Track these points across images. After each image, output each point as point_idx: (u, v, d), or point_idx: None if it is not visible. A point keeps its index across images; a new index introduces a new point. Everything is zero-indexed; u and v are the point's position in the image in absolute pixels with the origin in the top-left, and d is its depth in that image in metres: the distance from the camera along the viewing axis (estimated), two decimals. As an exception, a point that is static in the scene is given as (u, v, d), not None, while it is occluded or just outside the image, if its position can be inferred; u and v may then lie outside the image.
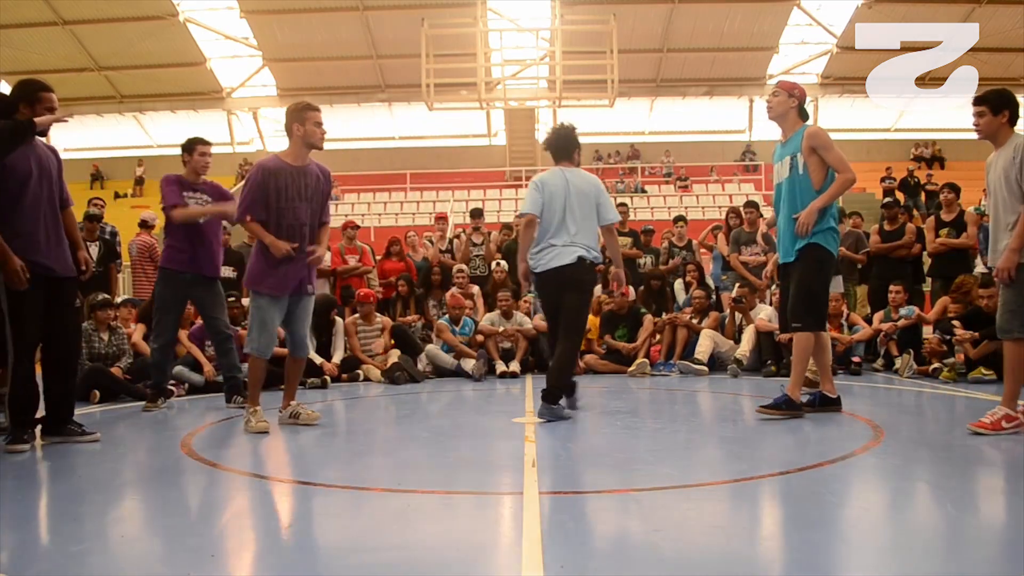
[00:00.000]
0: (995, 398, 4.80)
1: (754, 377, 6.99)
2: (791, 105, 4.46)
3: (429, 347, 7.55)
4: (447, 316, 7.85)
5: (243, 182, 4.20)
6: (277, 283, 4.31)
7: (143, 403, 5.31)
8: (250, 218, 4.33)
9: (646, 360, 7.38)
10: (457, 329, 7.71)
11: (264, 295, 4.35)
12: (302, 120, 4.35)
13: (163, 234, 5.54)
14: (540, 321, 7.92)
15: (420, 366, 7.41)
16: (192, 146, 5.36)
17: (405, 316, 8.31)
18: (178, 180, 5.32)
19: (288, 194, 4.32)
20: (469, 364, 7.26)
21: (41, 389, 3.91)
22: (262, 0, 20.08)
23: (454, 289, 8.41)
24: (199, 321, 7.05)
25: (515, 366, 7.43)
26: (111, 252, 8.10)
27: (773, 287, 7.66)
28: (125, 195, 21.69)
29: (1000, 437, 3.62)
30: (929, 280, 7.99)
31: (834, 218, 4.45)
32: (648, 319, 7.78)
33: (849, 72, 21.10)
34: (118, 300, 7.27)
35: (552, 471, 3.07)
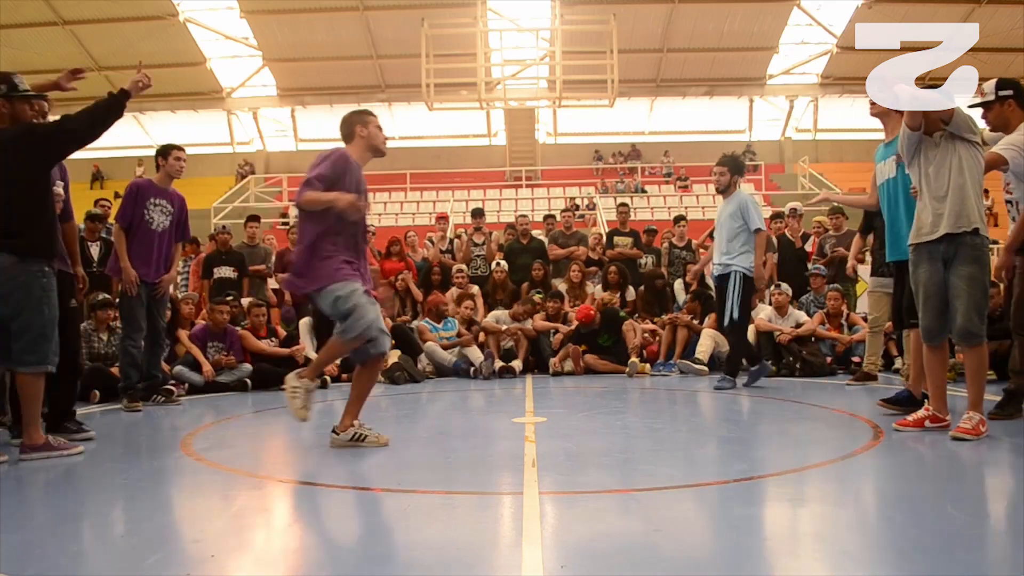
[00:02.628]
0: (995, 398, 4.79)
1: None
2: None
3: (428, 344, 7.54)
4: (427, 318, 7.85)
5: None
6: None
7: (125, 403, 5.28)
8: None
9: (636, 360, 7.28)
10: (439, 327, 7.72)
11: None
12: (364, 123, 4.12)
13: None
14: (540, 321, 7.93)
15: (420, 366, 7.41)
16: (168, 151, 5.45)
17: (404, 315, 8.31)
18: (149, 185, 5.44)
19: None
20: (473, 355, 7.26)
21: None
22: (262, 0, 20.09)
23: (449, 292, 8.41)
24: (200, 322, 7.06)
25: (516, 364, 7.43)
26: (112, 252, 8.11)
27: (772, 287, 7.67)
28: (125, 195, 21.69)
29: (1000, 437, 3.61)
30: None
31: None
32: (628, 323, 7.69)
33: (849, 72, 21.11)
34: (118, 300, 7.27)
35: (552, 471, 3.06)
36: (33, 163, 3.49)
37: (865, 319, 7.67)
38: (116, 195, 20.90)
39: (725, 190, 6.25)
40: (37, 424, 3.47)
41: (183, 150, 5.54)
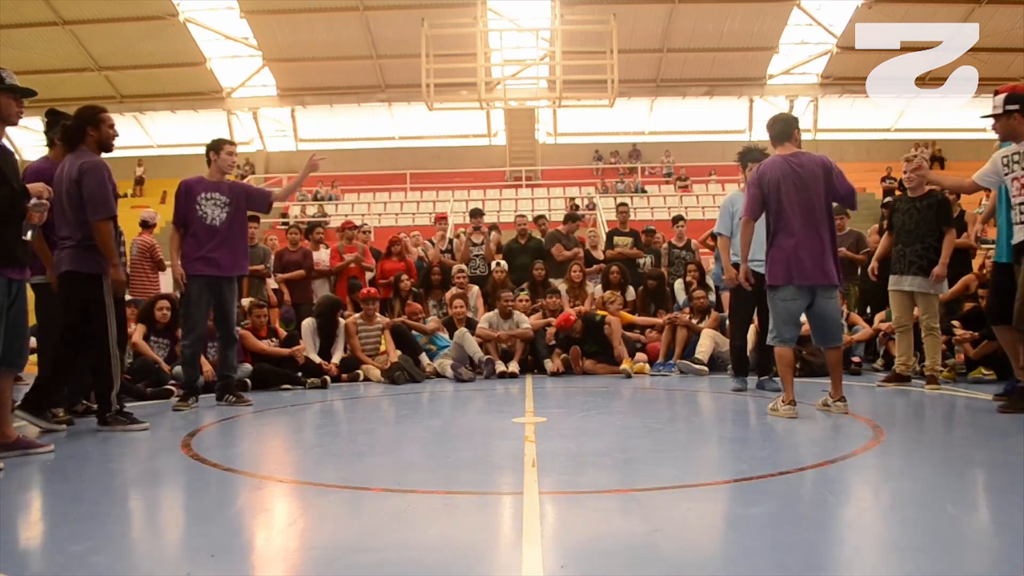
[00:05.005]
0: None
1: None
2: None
3: (461, 332, 7.55)
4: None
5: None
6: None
7: (174, 402, 5.41)
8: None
9: (629, 367, 7.22)
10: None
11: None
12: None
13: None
14: (537, 320, 7.92)
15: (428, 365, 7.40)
16: (219, 146, 5.50)
17: (404, 315, 8.27)
18: (199, 181, 5.44)
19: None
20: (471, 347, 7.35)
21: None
22: (262, 0, 20.08)
23: (449, 292, 8.40)
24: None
25: (514, 366, 7.42)
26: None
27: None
28: (125, 195, 21.65)
29: (999, 437, 3.62)
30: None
31: None
32: (613, 321, 7.52)
33: (849, 72, 21.10)
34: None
35: (552, 471, 3.07)
36: None
37: (865, 319, 7.70)
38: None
39: None
40: (4, 423, 3.54)
41: (235, 144, 5.62)
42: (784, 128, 4.64)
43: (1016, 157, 4.48)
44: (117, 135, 4.54)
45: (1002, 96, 4.50)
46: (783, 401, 4.43)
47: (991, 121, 4.60)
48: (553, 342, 7.73)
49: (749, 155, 5.97)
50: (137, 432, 4.28)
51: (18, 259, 3.57)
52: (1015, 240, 4.48)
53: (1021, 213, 4.42)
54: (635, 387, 6.49)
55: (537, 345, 7.81)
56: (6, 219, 3.50)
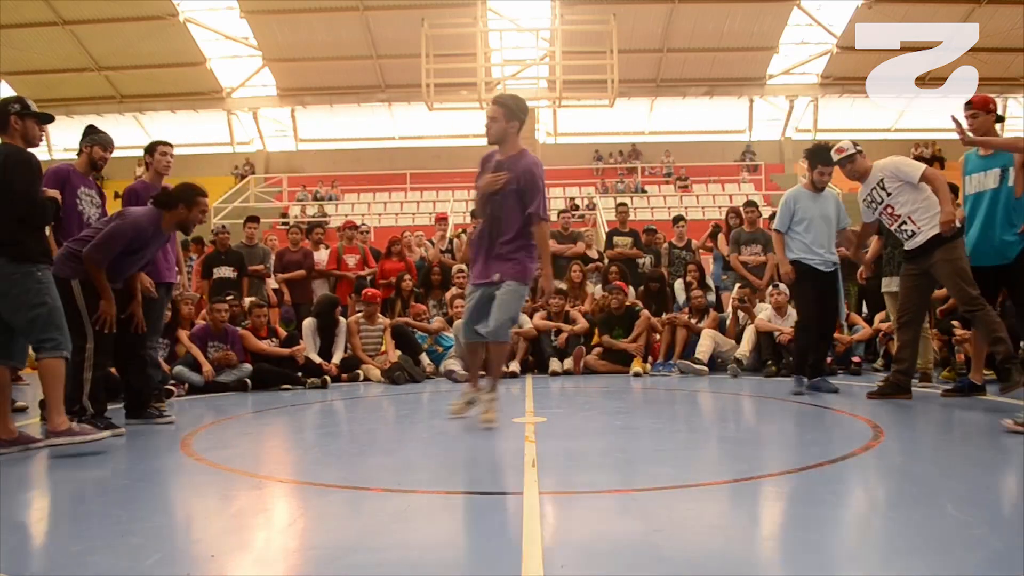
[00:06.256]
0: (996, 399, 4.80)
1: (754, 377, 6.99)
2: (992, 120, 4.78)
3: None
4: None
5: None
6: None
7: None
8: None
9: (646, 364, 7.45)
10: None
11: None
12: None
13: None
14: (540, 321, 7.92)
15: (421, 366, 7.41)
16: (153, 147, 5.33)
17: (405, 315, 8.27)
18: (144, 188, 5.21)
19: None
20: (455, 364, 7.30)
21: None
22: (262, 0, 20.07)
23: (449, 292, 8.41)
24: (200, 322, 7.06)
25: (515, 366, 7.43)
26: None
27: (771, 287, 7.66)
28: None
29: (999, 436, 3.61)
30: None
31: None
32: (644, 315, 7.80)
33: (849, 72, 21.09)
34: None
35: (552, 471, 3.07)
36: (15, 183, 3.62)
37: (866, 319, 7.69)
38: (116, 195, 20.90)
39: (824, 187, 5.78)
40: (60, 409, 3.63)
41: (170, 145, 5.40)
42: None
43: (869, 198, 5.03)
44: (204, 222, 4.71)
45: (847, 140, 5.21)
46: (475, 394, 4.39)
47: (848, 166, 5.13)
48: (555, 343, 7.80)
49: (820, 156, 5.59)
50: (139, 431, 4.28)
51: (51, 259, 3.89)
52: (907, 247, 4.95)
53: (901, 233, 4.93)
54: (635, 387, 6.49)
55: (542, 345, 7.82)
56: (43, 225, 3.81)
